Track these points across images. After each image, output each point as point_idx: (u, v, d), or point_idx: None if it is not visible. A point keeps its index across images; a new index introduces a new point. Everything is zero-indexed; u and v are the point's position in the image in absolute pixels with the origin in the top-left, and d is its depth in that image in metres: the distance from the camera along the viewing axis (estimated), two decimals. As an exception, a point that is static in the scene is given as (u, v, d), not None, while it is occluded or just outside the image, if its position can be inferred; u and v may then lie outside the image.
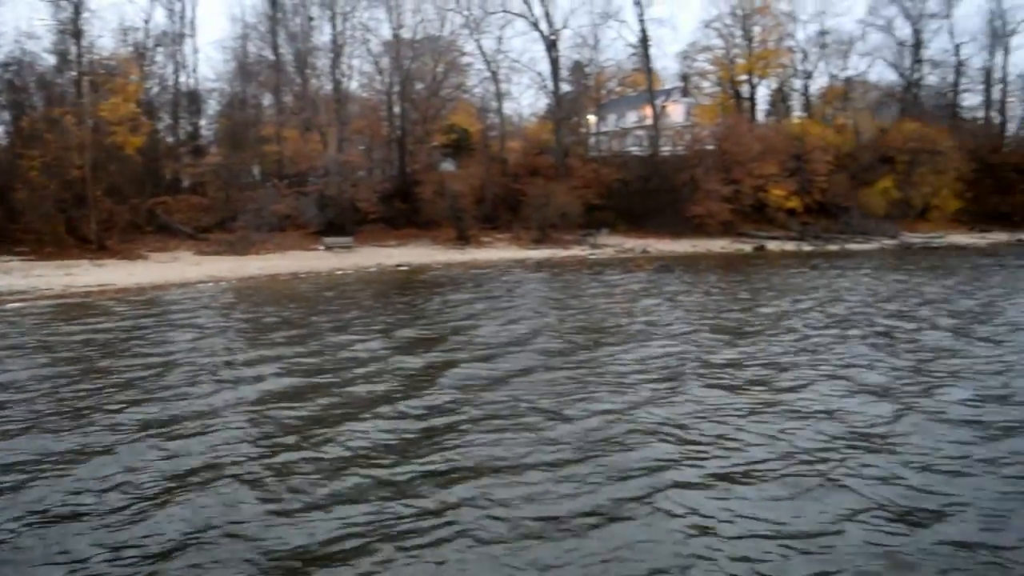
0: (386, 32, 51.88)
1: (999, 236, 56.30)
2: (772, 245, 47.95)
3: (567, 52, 61.24)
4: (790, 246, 48.08)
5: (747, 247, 47.29)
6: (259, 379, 12.05)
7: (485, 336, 16.12)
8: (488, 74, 55.76)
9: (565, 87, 62.39)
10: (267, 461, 8.06)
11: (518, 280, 29.40)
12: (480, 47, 54.96)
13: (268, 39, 50.73)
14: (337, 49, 50.64)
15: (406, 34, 51.72)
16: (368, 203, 44.92)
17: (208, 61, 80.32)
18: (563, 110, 58.36)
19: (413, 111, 51.42)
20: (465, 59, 57.12)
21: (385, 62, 52.04)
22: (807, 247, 47.94)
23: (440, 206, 46.21)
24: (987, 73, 73.18)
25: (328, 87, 51.60)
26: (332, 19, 50.45)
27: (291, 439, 8.84)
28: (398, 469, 7.84)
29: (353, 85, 53.83)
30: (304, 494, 7.18)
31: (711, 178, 49.60)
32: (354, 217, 44.97)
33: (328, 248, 41.56)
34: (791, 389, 11.06)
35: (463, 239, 44.99)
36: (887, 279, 27.95)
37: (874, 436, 8.73)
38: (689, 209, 49.08)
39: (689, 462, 7.99)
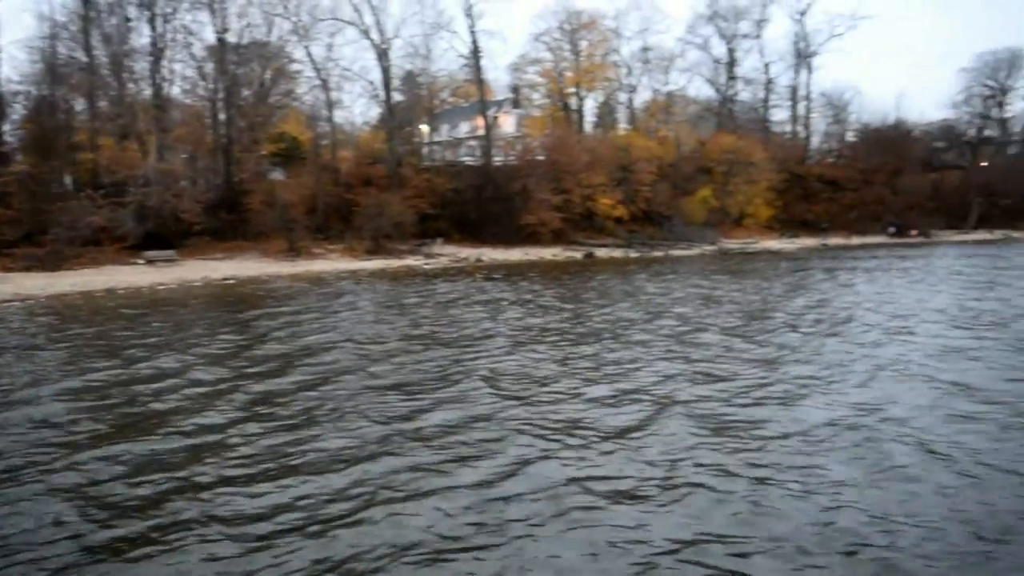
0: (210, 36, 49.89)
1: (806, 241, 60.73)
2: (601, 252, 49.54)
3: (399, 61, 61.16)
4: (618, 253, 49.82)
5: (578, 255, 48.64)
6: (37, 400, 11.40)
7: (297, 348, 15.79)
8: (318, 82, 54.71)
9: (398, 96, 62.24)
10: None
11: (349, 292, 28.95)
12: (310, 54, 53.88)
13: (80, 40, 47.62)
14: (157, 52, 48.18)
15: (231, 38, 49.92)
16: (192, 214, 42.99)
17: (12, 61, 74.48)
18: (396, 119, 58.13)
19: (240, 118, 49.66)
20: (294, 66, 55.88)
21: (209, 67, 50.01)
22: (634, 254, 49.84)
23: (269, 217, 44.91)
24: (793, 90, 78.85)
25: (147, 92, 49.04)
26: (151, 20, 47.97)
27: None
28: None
29: (175, 90, 51.43)
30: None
31: (542, 188, 50.72)
32: (177, 229, 42.94)
33: (149, 262, 39.48)
34: (638, 390, 11.47)
35: (294, 251, 43.87)
36: (696, 283, 29.49)
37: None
38: (522, 218, 50.02)
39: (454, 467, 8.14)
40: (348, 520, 7.00)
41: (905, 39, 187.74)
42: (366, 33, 55.18)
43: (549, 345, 15.75)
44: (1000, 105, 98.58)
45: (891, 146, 75.43)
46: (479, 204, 51.44)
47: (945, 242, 63.25)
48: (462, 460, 8.46)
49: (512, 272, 37.42)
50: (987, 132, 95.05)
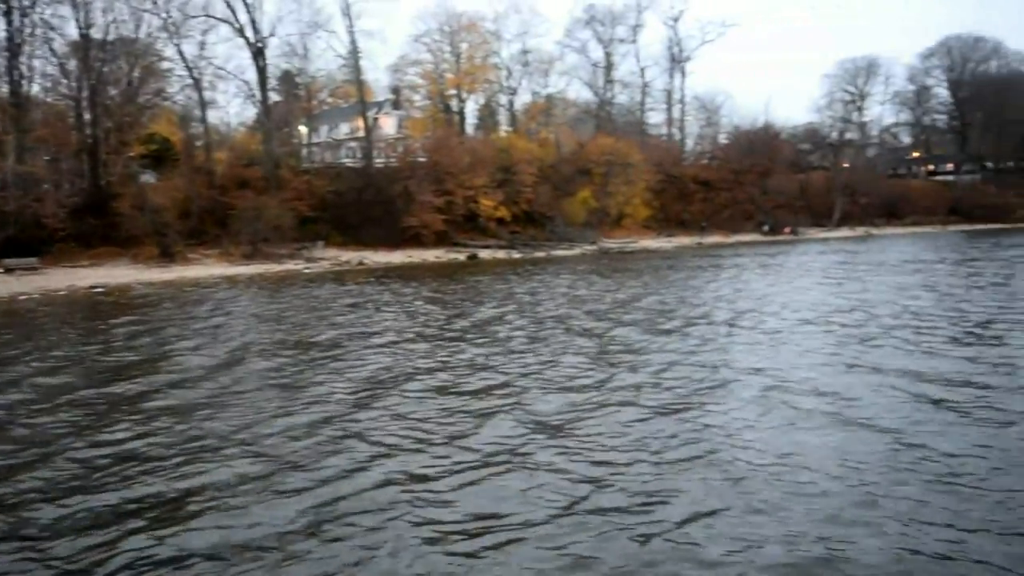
0: (73, 31, 47.52)
1: (682, 240, 62.70)
2: (484, 254, 49.80)
3: (275, 61, 59.73)
4: (501, 254, 50.21)
5: (461, 256, 48.75)
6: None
7: (154, 356, 15.36)
8: (190, 81, 52.94)
9: (274, 97, 60.83)
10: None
11: (222, 298, 28.18)
12: (181, 52, 51.98)
13: (-72, 34, 44.67)
14: (14, 48, 45.57)
15: (96, 34, 47.67)
16: (55, 219, 40.81)
17: None
18: (273, 120, 56.77)
19: (106, 118, 47.48)
20: (165, 64, 53.74)
21: (72, 64, 47.69)
22: (517, 255, 50.32)
23: (140, 221, 43.13)
24: (668, 94, 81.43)
25: (4, 90, 46.37)
26: (7, 14, 45.28)
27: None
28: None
29: (35, 89, 48.78)
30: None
31: (424, 189, 50.61)
32: (39, 235, 40.76)
33: (8, 270, 37.36)
34: (485, 390, 11.61)
35: (167, 256, 42.31)
36: (573, 282, 30.12)
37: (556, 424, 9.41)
38: (404, 220, 49.75)
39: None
40: (177, 518, 6.99)
41: (772, 46, 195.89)
42: (240, 31, 53.75)
43: (415, 346, 15.81)
44: (859, 109, 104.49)
45: (761, 148, 78.77)
46: (360, 206, 50.85)
47: (812, 239, 66.53)
48: (294, 466, 8.44)
49: (394, 275, 37.24)
50: (848, 135, 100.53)
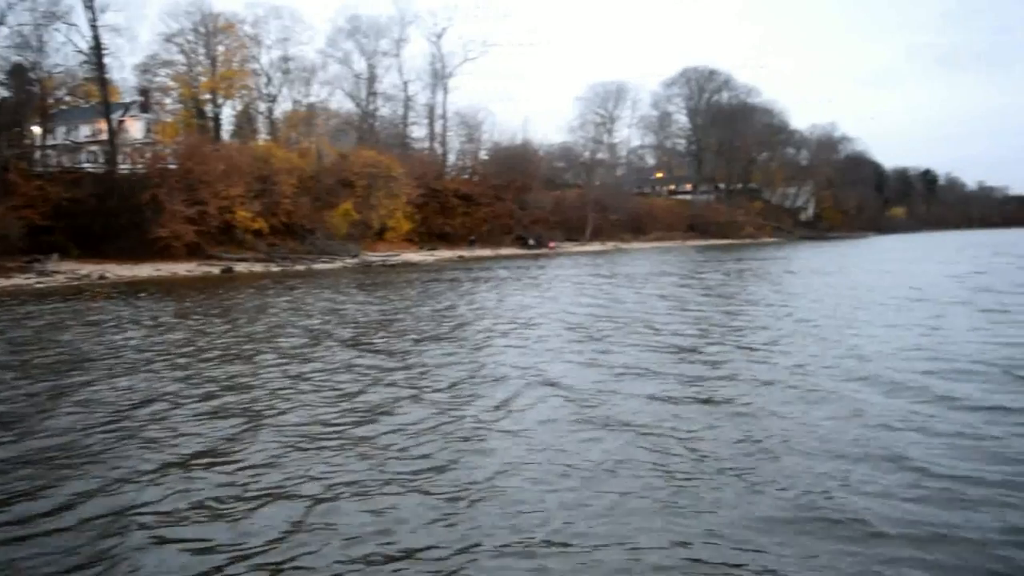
0: None
1: (444, 253, 63.88)
2: (241, 267, 47.98)
3: (5, 52, 54.30)
4: (259, 268, 48.59)
5: (215, 270, 46.63)
6: None
7: None
8: None
9: (3, 92, 55.27)
10: None
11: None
12: None
13: None
14: None
15: None
16: None
17: None
18: (1, 118, 51.52)
19: None
20: None
21: None
22: (275, 268, 48.91)
23: None
24: (431, 109, 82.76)
25: None
26: None
27: None
28: None
29: None
30: None
31: (175, 199, 47.87)
32: None
33: None
34: (229, 406, 11.28)
35: None
36: (330, 296, 29.86)
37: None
38: (153, 231, 46.73)
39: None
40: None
41: (531, 66, 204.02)
42: (-40, 19, 48.45)
43: (150, 367, 15.06)
44: (609, 131, 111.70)
45: (519, 165, 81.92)
46: (103, 216, 47.22)
47: (569, 253, 70.15)
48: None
49: (138, 290, 34.95)
50: (599, 155, 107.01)
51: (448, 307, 25.94)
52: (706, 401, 11.51)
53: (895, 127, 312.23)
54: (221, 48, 68.36)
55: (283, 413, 11.38)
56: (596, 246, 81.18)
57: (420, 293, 31.68)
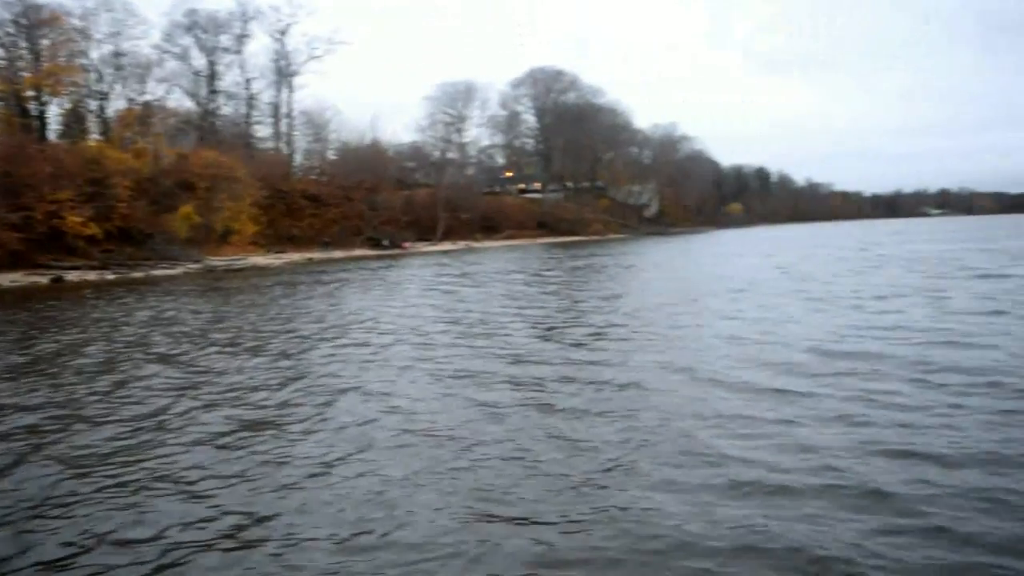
0: None
1: (293, 256, 62.55)
2: (73, 276, 45.29)
3: None
4: (93, 276, 46.02)
5: (44, 279, 43.88)
6: None
7: None
8: None
9: None
10: None
11: None
12: None
13: None
14: None
15: None
16: None
17: None
18: None
19: None
20: None
21: None
22: (111, 276, 46.49)
23: None
24: (275, 107, 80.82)
25: None
26: None
27: None
28: None
29: None
30: None
31: (-4, 204, 44.82)
32: None
33: None
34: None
35: None
36: (160, 304, 28.83)
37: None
38: (-30, 239, 43.62)
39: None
40: None
41: (380, 65, 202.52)
42: None
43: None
44: (459, 131, 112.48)
45: (368, 165, 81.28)
46: (-89, 223, 43.65)
47: (421, 253, 70.17)
48: None
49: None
50: (450, 154, 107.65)
51: (284, 312, 25.36)
52: (526, 404, 11.77)
53: (731, 127, 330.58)
54: (46, 42, 64.29)
55: (60, 439, 10.84)
56: (448, 246, 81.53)
57: (260, 298, 31.00)
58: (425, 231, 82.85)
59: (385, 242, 73.43)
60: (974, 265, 35.28)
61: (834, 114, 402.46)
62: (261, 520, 7.54)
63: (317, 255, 64.66)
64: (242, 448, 9.94)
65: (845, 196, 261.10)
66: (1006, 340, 15.29)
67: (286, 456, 9.47)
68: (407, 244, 75.07)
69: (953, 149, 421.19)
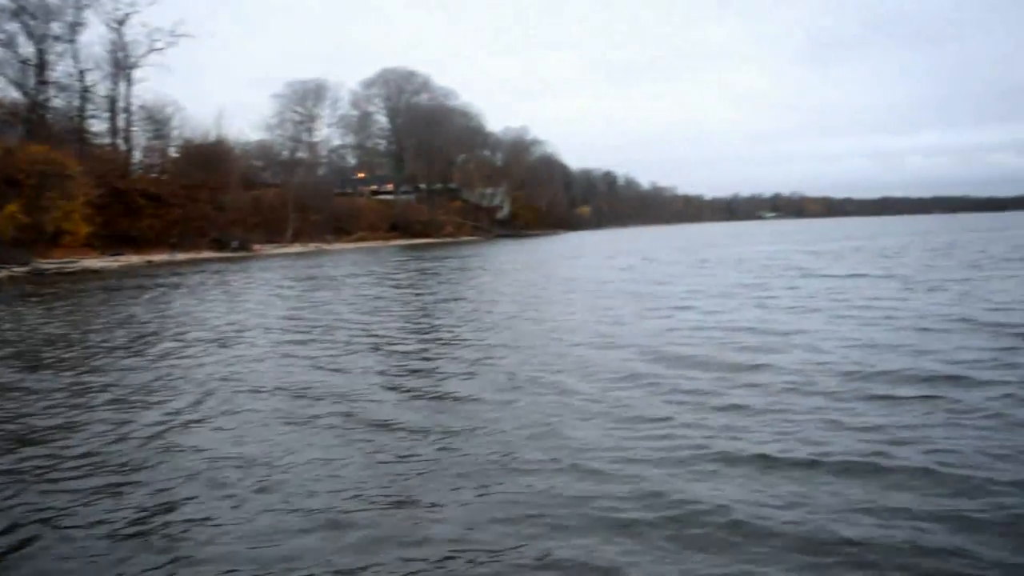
0: None
1: (132, 259, 59.72)
2: None
3: None
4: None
5: None
6: None
7: None
8: None
9: None
10: None
11: None
12: None
13: None
14: None
15: None
16: None
17: None
18: None
19: None
20: None
21: None
22: (-77, 281, 43.17)
23: None
24: (112, 101, 76.68)
25: None
26: None
27: None
28: None
29: None
30: None
31: None
32: None
33: None
34: None
35: None
36: None
37: None
38: None
39: None
40: None
41: (222, 59, 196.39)
42: None
43: None
44: (309, 130, 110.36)
45: (214, 163, 78.55)
46: None
47: (270, 255, 68.44)
48: None
49: None
50: (299, 154, 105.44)
51: (111, 320, 24.15)
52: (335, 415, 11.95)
53: (579, 132, 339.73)
54: None
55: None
56: (298, 247, 79.99)
57: (91, 305, 29.48)
58: (274, 232, 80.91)
59: (234, 244, 71.13)
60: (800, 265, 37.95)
61: (678, 120, 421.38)
62: None
63: (158, 258, 61.99)
64: None
65: (687, 199, 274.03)
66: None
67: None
68: (257, 246, 73.05)
69: (786, 154, 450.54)
